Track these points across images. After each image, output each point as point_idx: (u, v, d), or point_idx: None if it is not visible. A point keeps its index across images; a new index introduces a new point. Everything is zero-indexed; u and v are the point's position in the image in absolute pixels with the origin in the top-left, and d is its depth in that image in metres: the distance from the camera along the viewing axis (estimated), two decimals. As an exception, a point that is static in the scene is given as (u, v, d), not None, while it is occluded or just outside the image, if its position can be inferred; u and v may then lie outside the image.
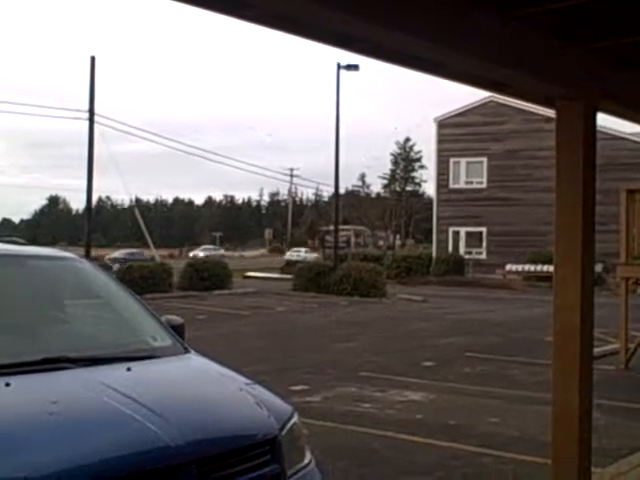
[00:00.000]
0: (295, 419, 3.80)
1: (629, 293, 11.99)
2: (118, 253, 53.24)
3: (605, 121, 4.43)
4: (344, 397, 9.28)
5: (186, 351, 4.30)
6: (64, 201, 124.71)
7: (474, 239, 38.26)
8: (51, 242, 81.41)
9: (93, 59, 26.83)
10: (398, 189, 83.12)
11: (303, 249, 63.64)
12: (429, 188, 63.59)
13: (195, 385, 3.94)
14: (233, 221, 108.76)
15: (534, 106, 4.29)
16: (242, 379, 4.01)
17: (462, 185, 38.94)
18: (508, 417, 8.34)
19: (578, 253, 3.73)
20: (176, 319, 4.64)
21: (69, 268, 4.79)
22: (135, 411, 3.18)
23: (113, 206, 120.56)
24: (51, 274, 4.69)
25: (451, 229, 38.92)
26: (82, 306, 4.74)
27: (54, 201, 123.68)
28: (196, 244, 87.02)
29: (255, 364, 10.87)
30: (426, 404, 9.02)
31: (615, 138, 32.49)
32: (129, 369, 3.75)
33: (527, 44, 3.07)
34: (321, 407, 8.67)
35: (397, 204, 69.74)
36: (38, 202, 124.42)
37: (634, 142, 34.45)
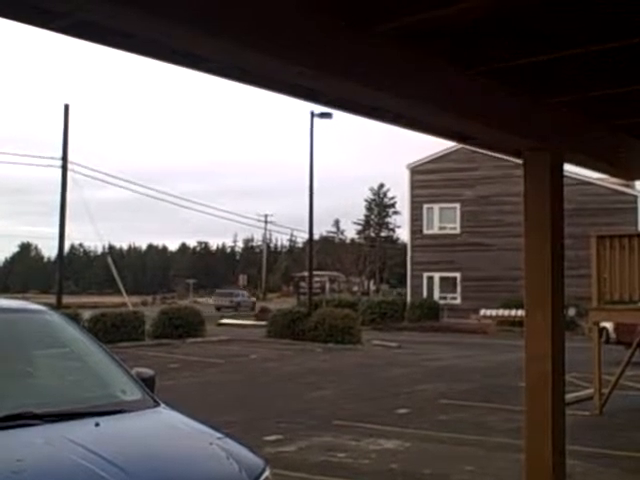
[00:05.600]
0: (267, 473, 3.75)
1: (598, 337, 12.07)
2: None
3: (575, 167, 4.51)
4: (319, 447, 9.17)
5: (156, 405, 4.23)
6: (36, 248, 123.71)
7: (448, 284, 38.41)
8: (22, 290, 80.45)
9: (67, 107, 26.90)
10: (372, 235, 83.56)
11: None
12: (403, 234, 63.97)
13: (165, 440, 3.88)
14: (207, 267, 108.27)
15: (503, 155, 4.35)
16: (213, 433, 3.96)
17: (436, 231, 39.23)
18: (484, 465, 8.29)
19: (548, 302, 3.75)
20: (146, 371, 4.58)
21: (38, 321, 4.73)
22: (103, 469, 3.12)
23: (86, 253, 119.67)
24: (20, 327, 4.62)
25: (425, 274, 39.06)
26: (51, 360, 4.66)
27: (26, 248, 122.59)
28: (170, 291, 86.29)
29: (228, 414, 10.73)
30: (401, 453, 8.93)
31: (585, 183, 33.03)
32: (97, 424, 3.68)
33: (493, 98, 3.13)
34: (295, 457, 8.56)
35: (371, 249, 70.04)
36: (9, 249, 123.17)
37: (603, 187, 35.05)
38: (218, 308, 55.48)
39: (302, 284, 47.81)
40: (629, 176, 5.79)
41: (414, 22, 2.50)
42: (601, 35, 2.72)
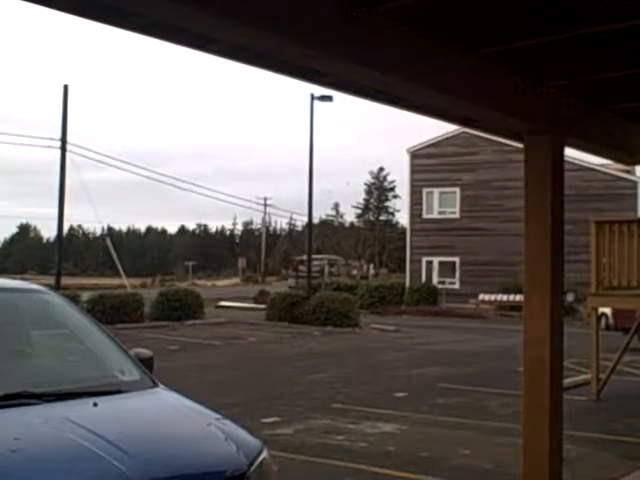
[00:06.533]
0: (265, 454, 3.75)
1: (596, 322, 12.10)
2: None
3: (576, 152, 4.49)
4: (316, 429, 9.20)
5: (154, 385, 4.24)
6: (35, 229, 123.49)
7: (447, 269, 38.41)
8: (21, 271, 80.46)
9: (66, 88, 26.78)
10: (372, 218, 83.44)
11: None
12: (403, 218, 63.88)
13: (162, 421, 3.88)
14: (206, 250, 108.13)
15: (504, 139, 4.34)
16: (211, 414, 3.96)
17: (435, 215, 39.18)
18: (481, 449, 8.32)
19: (547, 287, 3.74)
20: (145, 352, 4.58)
21: (37, 301, 4.72)
22: (100, 448, 3.12)
23: (85, 235, 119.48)
24: (18, 307, 4.62)
25: (424, 259, 39.05)
26: (49, 340, 4.67)
27: (25, 229, 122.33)
28: (169, 273, 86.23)
29: (226, 395, 10.76)
30: (399, 436, 8.97)
31: (585, 169, 32.97)
32: (95, 404, 3.69)
33: (494, 81, 3.11)
34: (293, 440, 8.59)
35: (370, 233, 70.00)
36: (8, 230, 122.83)
37: (603, 173, 34.99)
38: None
39: (301, 267, 47.82)
40: (631, 161, 5.78)
41: (415, 2, 2.48)
42: (601, 17, 2.69)
